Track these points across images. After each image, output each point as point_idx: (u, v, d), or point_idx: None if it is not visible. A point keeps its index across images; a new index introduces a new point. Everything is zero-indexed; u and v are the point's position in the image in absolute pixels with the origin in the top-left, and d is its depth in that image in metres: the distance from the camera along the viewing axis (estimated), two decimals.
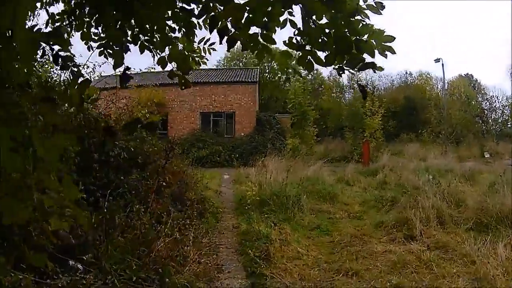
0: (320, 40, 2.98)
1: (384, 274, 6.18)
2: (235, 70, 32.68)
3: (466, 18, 74.67)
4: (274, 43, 3.16)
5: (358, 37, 2.87)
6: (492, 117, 45.71)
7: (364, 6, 2.88)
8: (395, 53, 2.97)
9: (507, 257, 6.57)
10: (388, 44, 2.94)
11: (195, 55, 4.29)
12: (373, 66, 2.99)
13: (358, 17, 2.86)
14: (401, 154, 24.42)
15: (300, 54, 3.09)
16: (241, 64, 42.16)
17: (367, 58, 2.91)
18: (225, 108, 27.08)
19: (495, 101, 45.15)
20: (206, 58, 4.36)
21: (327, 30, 2.94)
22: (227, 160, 23.12)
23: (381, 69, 3.07)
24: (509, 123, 44.58)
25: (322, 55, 3.05)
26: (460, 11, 72.97)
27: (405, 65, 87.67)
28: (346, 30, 2.87)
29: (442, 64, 33.37)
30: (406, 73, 48.05)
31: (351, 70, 3.04)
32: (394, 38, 2.94)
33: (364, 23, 2.87)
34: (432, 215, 8.47)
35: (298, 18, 3.07)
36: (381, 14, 2.91)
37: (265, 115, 27.84)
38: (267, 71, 39.86)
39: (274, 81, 39.08)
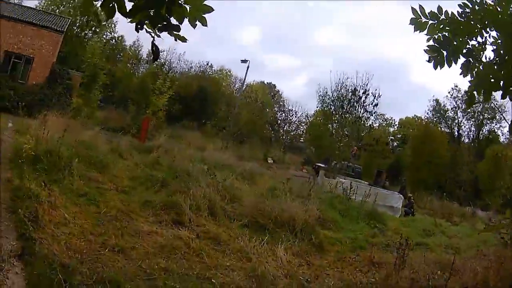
0: None
1: (152, 255, 6.16)
2: (49, 15, 28.89)
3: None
4: None
5: None
6: (285, 128, 49.78)
7: None
8: (206, 25, 2.83)
9: (288, 261, 7.18)
10: (204, 14, 2.80)
11: None
12: (174, 28, 2.81)
13: None
14: (181, 139, 24.74)
15: None
16: (58, 10, 37.38)
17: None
18: (27, 52, 24.01)
19: (292, 115, 49.21)
20: None
21: None
22: (15, 107, 20.28)
23: (184, 39, 2.89)
24: (302, 139, 49.73)
25: (129, 5, 2.76)
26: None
27: (214, 55, 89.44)
28: None
29: (248, 67, 35.46)
30: (207, 64, 49.13)
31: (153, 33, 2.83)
32: (212, 9, 2.80)
33: None
34: (203, 205, 8.69)
35: None
36: None
37: (60, 68, 25.37)
38: (77, 24, 36.35)
39: (80, 37, 35.88)
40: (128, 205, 8.48)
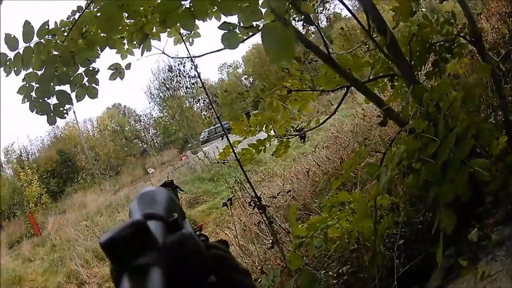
0: None
1: None
2: None
3: None
4: None
5: None
6: (151, 134, 49.92)
7: None
8: None
9: None
10: None
11: None
12: None
13: None
14: (69, 208, 25.18)
15: None
16: None
17: None
18: None
19: (145, 120, 49.36)
20: None
21: None
22: None
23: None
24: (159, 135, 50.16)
25: None
26: None
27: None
28: None
29: (74, 111, 36.04)
30: (53, 127, 48.48)
31: None
32: None
33: None
34: (89, 257, 10.79)
35: None
36: None
37: None
38: None
39: None
40: None
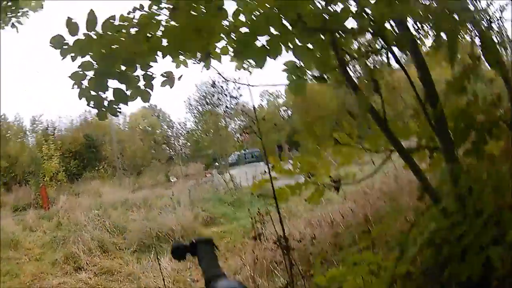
0: None
1: None
2: None
3: None
4: None
5: None
6: (180, 142, 49.59)
7: None
8: None
9: (173, 268, 8.55)
10: None
11: None
12: None
13: None
14: (83, 193, 25.00)
15: None
16: None
17: None
18: None
19: (178, 128, 49.43)
20: None
21: None
22: None
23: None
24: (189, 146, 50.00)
25: None
26: None
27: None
28: None
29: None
30: (85, 110, 48.91)
31: None
32: None
33: None
34: (94, 246, 10.80)
35: None
36: None
37: None
38: None
39: None
40: (40, 268, 10.43)
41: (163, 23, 3.00)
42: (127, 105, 3.26)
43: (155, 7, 3.00)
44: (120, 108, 3.05)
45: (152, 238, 10.94)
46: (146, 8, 3.03)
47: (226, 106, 37.79)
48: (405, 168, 3.76)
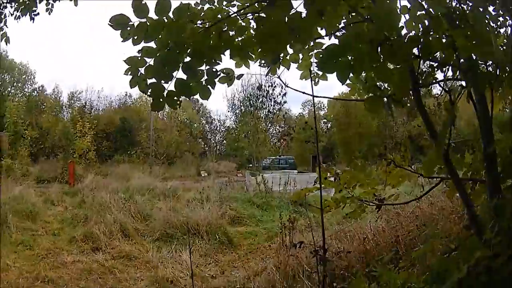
0: None
1: (74, 280, 7.65)
2: None
3: None
4: None
5: None
6: (217, 139, 51.17)
7: None
8: None
9: (194, 262, 8.25)
10: None
11: None
12: None
13: None
14: (111, 175, 25.23)
15: None
16: None
17: None
18: None
19: (217, 125, 50.76)
20: None
21: None
22: None
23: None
24: (225, 144, 50.87)
25: None
26: None
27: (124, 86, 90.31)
28: None
29: None
30: (126, 94, 49.88)
31: None
32: None
33: None
34: (115, 229, 10.25)
35: None
36: None
37: None
38: None
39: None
40: (56, 244, 9.98)
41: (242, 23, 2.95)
42: (188, 98, 3.25)
43: (224, 2, 2.95)
44: (180, 101, 2.88)
45: (176, 229, 10.52)
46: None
47: (269, 111, 37.66)
48: (448, 196, 4.05)
